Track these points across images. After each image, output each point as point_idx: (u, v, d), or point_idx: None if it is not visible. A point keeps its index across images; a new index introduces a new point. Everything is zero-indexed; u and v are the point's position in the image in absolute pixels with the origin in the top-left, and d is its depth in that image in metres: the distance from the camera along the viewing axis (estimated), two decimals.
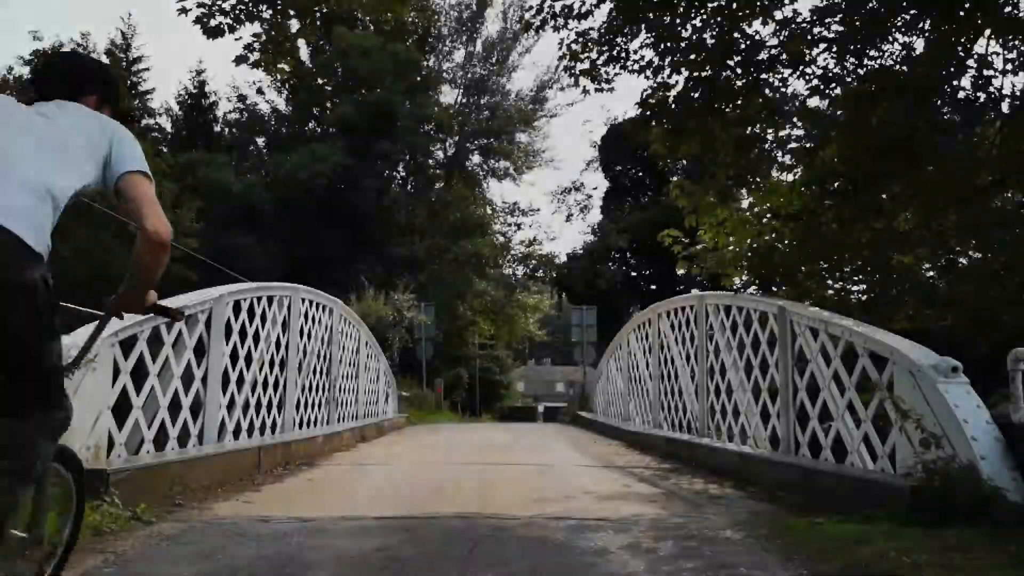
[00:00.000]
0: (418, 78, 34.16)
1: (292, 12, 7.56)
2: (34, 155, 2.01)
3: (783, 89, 7.38)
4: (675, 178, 25.93)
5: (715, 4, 7.16)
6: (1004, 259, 7.42)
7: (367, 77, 32.83)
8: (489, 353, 36.66)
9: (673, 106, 7.43)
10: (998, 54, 6.72)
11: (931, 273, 8.65)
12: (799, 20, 7.05)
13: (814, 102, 7.40)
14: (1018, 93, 6.75)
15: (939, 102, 6.85)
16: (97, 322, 2.72)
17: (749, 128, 7.47)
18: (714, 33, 7.25)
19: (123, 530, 3.77)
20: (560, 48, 7.96)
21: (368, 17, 28.73)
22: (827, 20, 6.99)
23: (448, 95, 38.48)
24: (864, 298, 8.20)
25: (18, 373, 1.93)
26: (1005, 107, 6.83)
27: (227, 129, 38.33)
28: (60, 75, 2.39)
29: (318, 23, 8.00)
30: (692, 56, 7.30)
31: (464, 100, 38.60)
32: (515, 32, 36.17)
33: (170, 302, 5.73)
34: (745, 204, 8.22)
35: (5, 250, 1.85)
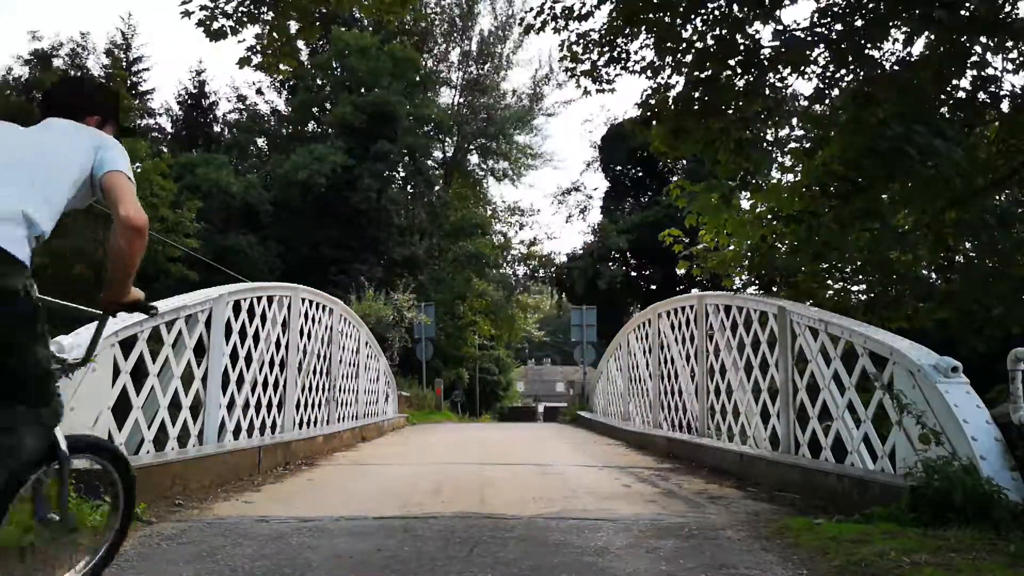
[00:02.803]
0: (416, 78, 34.20)
1: (293, 13, 7.56)
2: (9, 178, 2.30)
3: (783, 90, 7.39)
4: (675, 178, 25.92)
5: (715, 4, 7.17)
6: (1000, 258, 7.44)
7: (366, 77, 32.86)
8: (489, 353, 36.67)
9: (673, 107, 7.43)
10: (997, 53, 6.73)
11: (930, 273, 8.66)
12: (799, 22, 7.06)
13: (814, 103, 7.42)
14: (1018, 92, 6.76)
15: (938, 103, 6.86)
16: (97, 321, 2.88)
17: (749, 129, 7.48)
18: (714, 34, 7.25)
19: None
20: (561, 49, 7.97)
21: (368, 19, 28.75)
22: (827, 21, 7.00)
23: (445, 96, 38.57)
24: (864, 298, 8.21)
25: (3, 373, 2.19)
26: (1005, 106, 6.84)
27: (227, 129, 38.37)
28: (60, 101, 2.67)
29: (317, 23, 7.97)
30: (692, 57, 7.31)
31: (461, 101, 38.66)
32: (502, 23, 36.45)
33: (170, 302, 5.75)
34: (746, 205, 8.22)
35: None
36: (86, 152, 2.46)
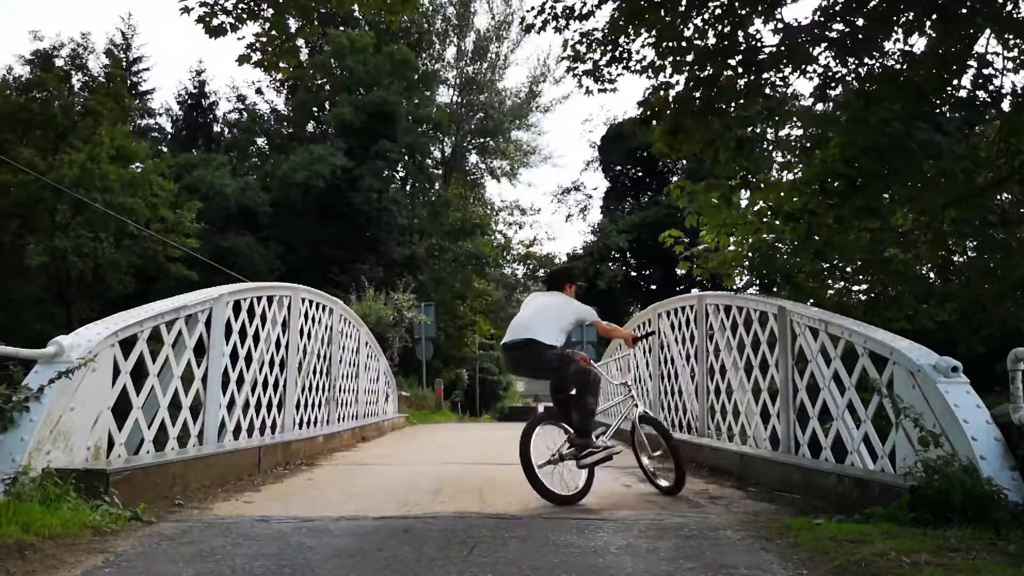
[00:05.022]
0: (415, 76, 34.20)
1: (293, 11, 7.56)
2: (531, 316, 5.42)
3: (784, 89, 7.39)
4: (675, 178, 25.88)
5: (716, 2, 7.17)
6: (999, 257, 7.44)
7: (365, 77, 32.86)
8: (489, 353, 36.65)
9: (674, 106, 7.44)
10: (998, 53, 6.73)
11: (929, 273, 8.66)
12: (800, 21, 7.07)
13: (817, 102, 7.42)
14: (1019, 91, 6.76)
15: (939, 101, 6.87)
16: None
17: (750, 128, 7.48)
18: (715, 33, 7.26)
19: (123, 530, 3.77)
20: (564, 48, 7.97)
21: (369, 18, 28.73)
22: (829, 21, 7.00)
23: (443, 95, 38.62)
24: (864, 298, 8.21)
25: None
26: (1006, 105, 6.84)
27: (227, 129, 38.37)
28: (553, 279, 5.96)
29: (316, 23, 7.99)
30: (693, 56, 7.31)
31: (459, 100, 38.68)
32: (500, 22, 36.53)
33: (170, 302, 5.76)
34: (745, 203, 8.23)
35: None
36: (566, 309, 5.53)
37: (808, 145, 7.54)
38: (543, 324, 5.33)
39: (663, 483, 5.45)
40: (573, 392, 5.32)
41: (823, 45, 7.08)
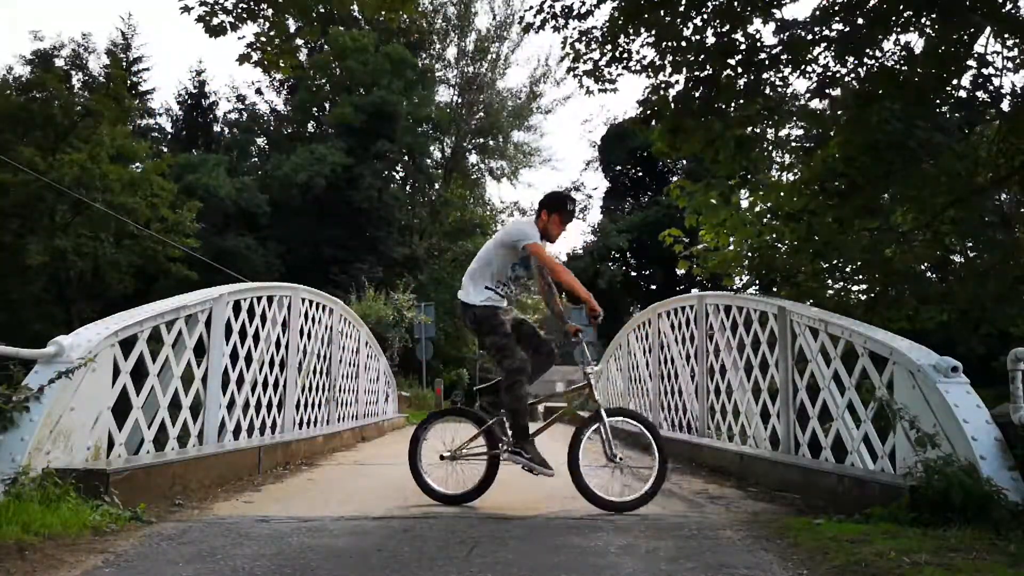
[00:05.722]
0: (415, 77, 34.22)
1: (293, 11, 7.57)
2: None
3: (783, 88, 7.39)
4: (675, 178, 25.95)
5: (716, 2, 7.17)
6: (999, 257, 7.44)
7: (364, 77, 32.85)
8: None
9: (674, 105, 7.44)
10: (998, 53, 6.74)
11: (929, 273, 8.67)
12: (799, 19, 7.07)
13: (814, 102, 7.43)
14: (1019, 91, 6.77)
15: (938, 101, 6.87)
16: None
17: (749, 128, 7.48)
18: (715, 32, 7.26)
19: (123, 530, 3.77)
20: (564, 47, 7.98)
21: (370, 17, 28.70)
22: (828, 20, 7.00)
23: (443, 95, 38.62)
24: (864, 298, 8.21)
25: None
26: (1005, 105, 6.85)
27: (227, 129, 38.37)
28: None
29: (315, 23, 8.01)
30: (693, 55, 7.31)
31: (459, 100, 38.68)
32: (501, 22, 36.55)
33: (170, 302, 5.75)
34: (746, 204, 8.23)
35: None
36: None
37: (808, 145, 7.54)
38: (468, 273, 4.83)
39: (611, 498, 4.71)
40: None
41: (823, 45, 7.08)
